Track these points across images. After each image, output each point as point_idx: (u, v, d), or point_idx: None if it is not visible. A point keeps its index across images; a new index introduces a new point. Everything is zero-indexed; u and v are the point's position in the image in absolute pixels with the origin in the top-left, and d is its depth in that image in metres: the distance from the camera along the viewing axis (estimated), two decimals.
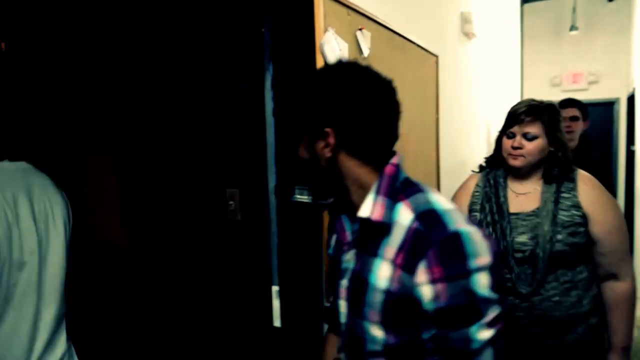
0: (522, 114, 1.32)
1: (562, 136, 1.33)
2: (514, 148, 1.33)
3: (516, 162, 1.33)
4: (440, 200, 0.75)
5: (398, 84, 2.01)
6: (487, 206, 1.38)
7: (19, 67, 1.71)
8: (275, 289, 1.36)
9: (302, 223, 1.32)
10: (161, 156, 1.61)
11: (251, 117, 1.37)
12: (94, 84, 1.73)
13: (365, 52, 1.52)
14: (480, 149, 3.34)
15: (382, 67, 1.65)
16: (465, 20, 2.80)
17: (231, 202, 1.52)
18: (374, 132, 0.77)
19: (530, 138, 1.31)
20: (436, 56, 2.25)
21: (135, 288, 1.72)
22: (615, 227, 1.27)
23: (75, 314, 1.20)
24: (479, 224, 1.34)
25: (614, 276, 1.29)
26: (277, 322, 1.37)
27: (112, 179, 1.74)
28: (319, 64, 1.29)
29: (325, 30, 1.31)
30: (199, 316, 1.56)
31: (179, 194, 1.60)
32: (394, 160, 0.79)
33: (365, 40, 1.53)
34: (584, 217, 1.26)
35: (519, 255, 1.29)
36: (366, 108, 0.76)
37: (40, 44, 1.75)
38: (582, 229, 1.26)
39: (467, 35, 2.88)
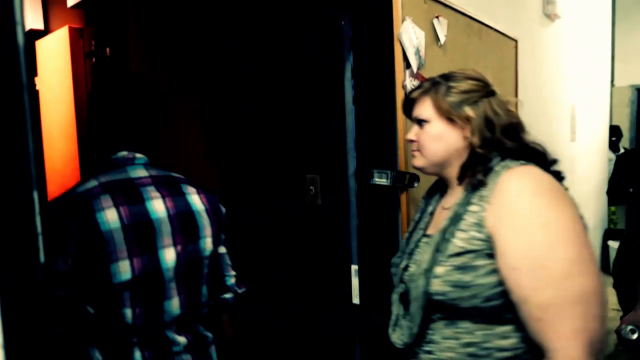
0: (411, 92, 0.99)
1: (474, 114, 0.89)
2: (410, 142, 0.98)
3: (415, 162, 0.98)
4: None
5: (475, 68, 1.99)
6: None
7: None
8: (354, 267, 1.44)
9: (380, 205, 1.38)
10: (250, 146, 1.76)
11: (332, 105, 1.45)
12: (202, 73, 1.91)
13: (442, 39, 1.55)
14: (564, 135, 3.18)
15: (459, 54, 1.67)
16: (547, 1, 2.67)
17: (311, 187, 1.62)
18: None
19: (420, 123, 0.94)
20: (515, 40, 2.19)
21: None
22: (531, 258, 0.76)
23: None
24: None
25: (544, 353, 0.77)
26: (355, 299, 1.45)
27: (212, 164, 1.91)
28: (397, 53, 1.34)
29: (403, 20, 1.35)
30: (283, 292, 1.68)
31: (264, 181, 1.74)
32: None
33: (442, 28, 1.55)
34: (488, 241, 0.81)
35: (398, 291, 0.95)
36: None
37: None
38: (482, 262, 0.80)
39: (550, 16, 2.75)
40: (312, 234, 1.61)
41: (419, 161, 0.96)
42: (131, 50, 1.86)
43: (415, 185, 1.35)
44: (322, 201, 1.59)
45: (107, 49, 2.00)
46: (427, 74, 1.48)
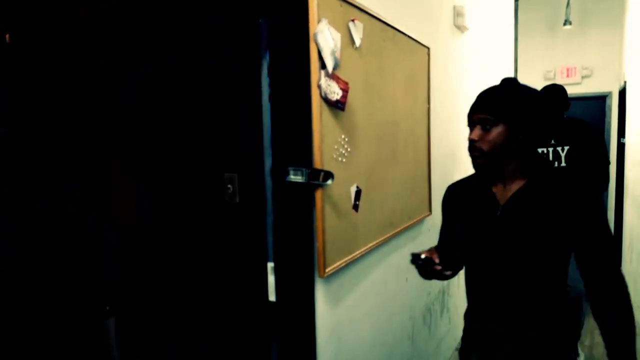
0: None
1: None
2: None
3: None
4: None
5: (389, 73, 2.08)
6: None
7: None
8: (270, 265, 1.45)
9: (295, 202, 1.40)
10: (163, 145, 1.69)
11: (248, 103, 1.45)
12: (94, 77, 1.80)
13: (357, 42, 1.60)
14: None
15: (374, 57, 1.74)
16: (457, 13, 2.87)
17: (229, 186, 1.60)
18: None
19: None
20: (427, 48, 2.33)
21: (143, 269, 1.80)
22: None
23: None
24: None
25: None
26: (272, 297, 1.46)
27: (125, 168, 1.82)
28: (313, 52, 1.37)
29: (319, 21, 1.38)
30: (199, 291, 1.64)
31: (181, 180, 1.68)
32: None
33: (357, 31, 1.61)
34: None
35: None
36: None
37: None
38: None
39: (460, 28, 2.95)
40: (230, 233, 1.59)
41: None
42: None
43: (329, 182, 1.38)
44: (240, 199, 1.57)
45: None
46: (343, 75, 1.52)
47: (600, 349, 3.10)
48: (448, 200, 1.46)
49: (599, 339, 3.26)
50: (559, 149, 2.98)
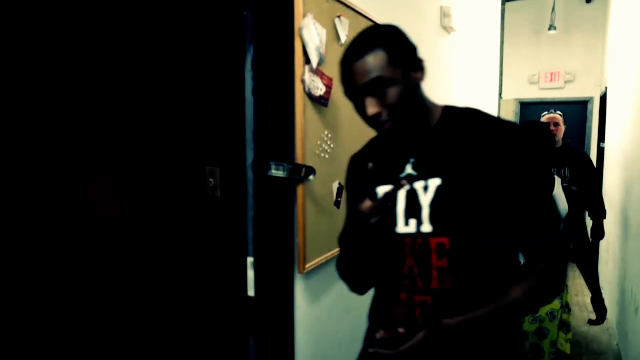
0: None
1: None
2: None
3: None
4: None
5: None
6: None
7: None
8: (250, 260, 1.44)
9: (277, 197, 1.39)
10: (144, 138, 1.67)
11: (231, 97, 1.43)
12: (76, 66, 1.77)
13: (343, 39, 1.60)
14: None
15: None
16: (444, 14, 2.88)
17: (211, 180, 1.58)
18: None
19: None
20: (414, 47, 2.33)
21: (124, 262, 1.78)
22: None
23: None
24: None
25: None
26: (251, 292, 1.45)
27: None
28: (298, 47, 1.36)
29: (305, 16, 1.37)
30: (179, 285, 1.63)
31: (162, 174, 1.66)
32: None
33: (343, 28, 1.60)
34: None
35: None
36: None
37: None
38: None
39: (446, 29, 2.97)
40: (211, 228, 1.57)
41: None
42: None
43: (311, 178, 1.38)
44: (222, 194, 1.56)
45: None
46: (328, 71, 1.52)
47: (576, 349, 3.16)
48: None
49: (574, 338, 3.32)
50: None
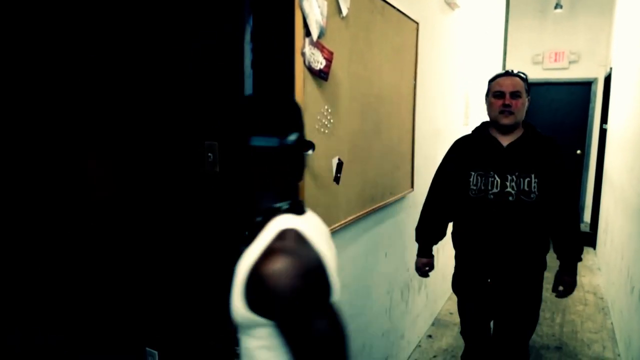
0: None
1: None
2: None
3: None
4: None
5: (376, 46, 2.04)
6: None
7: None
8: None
9: None
10: (141, 113, 1.65)
11: (230, 69, 1.41)
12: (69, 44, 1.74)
13: (344, 11, 1.57)
14: (458, 119, 3.42)
15: (361, 28, 1.71)
16: None
17: (210, 154, 1.57)
18: None
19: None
20: (417, 23, 2.30)
21: (121, 242, 1.78)
22: None
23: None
24: None
25: None
26: None
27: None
28: (298, 19, 1.34)
29: None
30: (178, 261, 1.63)
31: (160, 149, 1.65)
32: None
33: (344, 1, 1.57)
34: None
35: None
36: None
37: None
38: None
39: (450, 5, 2.92)
40: (209, 204, 1.57)
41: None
42: None
43: (310, 152, 1.36)
44: (221, 169, 1.55)
45: None
46: (328, 44, 1.49)
47: (570, 327, 3.20)
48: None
49: (569, 317, 3.36)
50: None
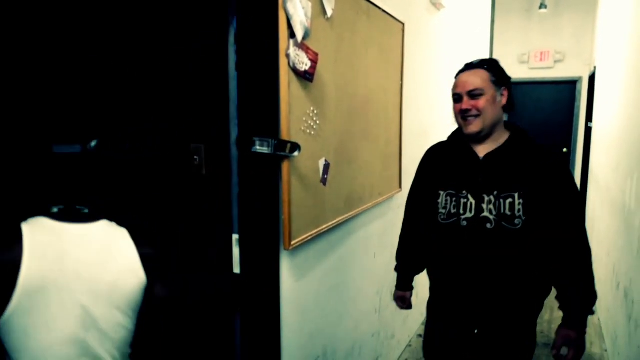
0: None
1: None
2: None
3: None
4: None
5: (362, 47, 2.04)
6: None
7: None
8: (235, 237, 1.43)
9: (262, 174, 1.38)
10: (126, 114, 1.63)
11: (215, 72, 1.40)
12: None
13: (329, 12, 1.57)
14: (445, 119, 3.44)
15: (347, 29, 1.71)
16: None
17: (196, 157, 1.56)
18: None
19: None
20: (402, 23, 2.30)
21: None
22: None
23: None
24: None
25: None
26: (236, 269, 1.45)
27: None
28: (282, 20, 1.33)
29: None
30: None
31: (147, 151, 1.63)
32: None
33: (329, 1, 1.57)
34: None
35: None
36: None
37: None
38: None
39: (436, 5, 2.93)
40: (195, 205, 1.56)
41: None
42: None
43: (296, 154, 1.36)
44: (207, 171, 1.54)
45: None
46: (313, 45, 1.49)
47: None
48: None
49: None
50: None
